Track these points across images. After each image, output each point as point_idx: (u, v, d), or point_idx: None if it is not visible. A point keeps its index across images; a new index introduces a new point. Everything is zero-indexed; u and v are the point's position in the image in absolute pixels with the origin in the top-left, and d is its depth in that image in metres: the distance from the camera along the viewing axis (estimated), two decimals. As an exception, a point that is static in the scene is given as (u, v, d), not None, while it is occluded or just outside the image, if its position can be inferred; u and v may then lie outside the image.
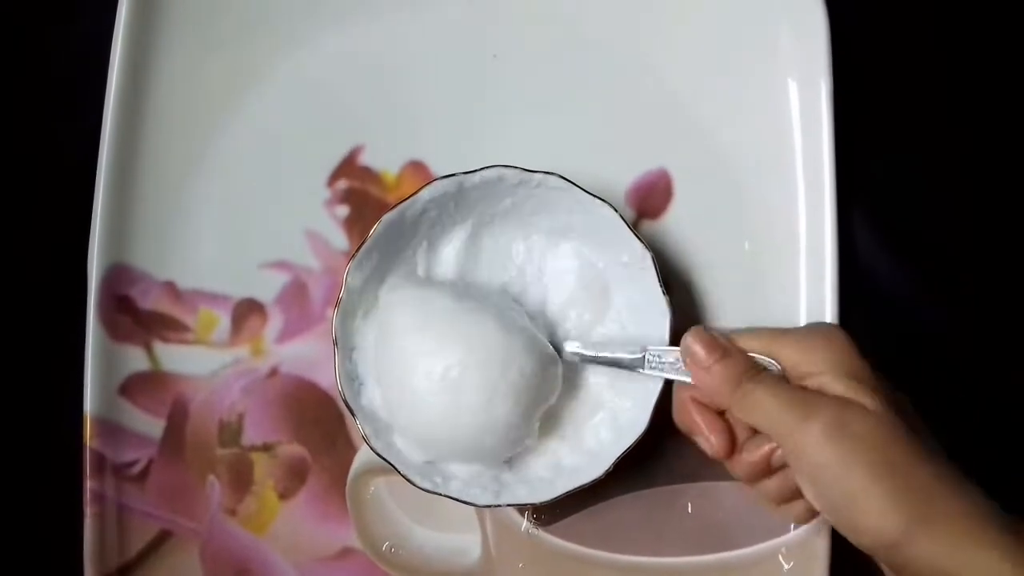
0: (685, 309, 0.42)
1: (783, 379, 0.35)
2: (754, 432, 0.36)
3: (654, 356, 0.37)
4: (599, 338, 0.41)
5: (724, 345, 0.36)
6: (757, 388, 0.34)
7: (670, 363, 0.37)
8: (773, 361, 0.36)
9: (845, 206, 0.42)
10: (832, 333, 0.36)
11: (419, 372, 0.36)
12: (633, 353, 0.38)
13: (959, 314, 0.45)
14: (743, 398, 0.34)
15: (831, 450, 0.32)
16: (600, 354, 0.39)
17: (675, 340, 0.38)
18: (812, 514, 0.36)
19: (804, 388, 0.34)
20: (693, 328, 0.36)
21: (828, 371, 0.34)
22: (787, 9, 0.42)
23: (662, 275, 0.39)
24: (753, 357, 0.36)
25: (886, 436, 0.32)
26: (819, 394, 0.34)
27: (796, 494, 0.35)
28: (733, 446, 0.36)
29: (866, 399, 0.33)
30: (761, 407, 0.34)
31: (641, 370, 0.38)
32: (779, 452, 0.35)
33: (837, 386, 0.34)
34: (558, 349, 0.39)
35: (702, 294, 0.43)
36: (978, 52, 0.46)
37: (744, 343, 0.36)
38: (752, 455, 0.36)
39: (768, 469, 0.35)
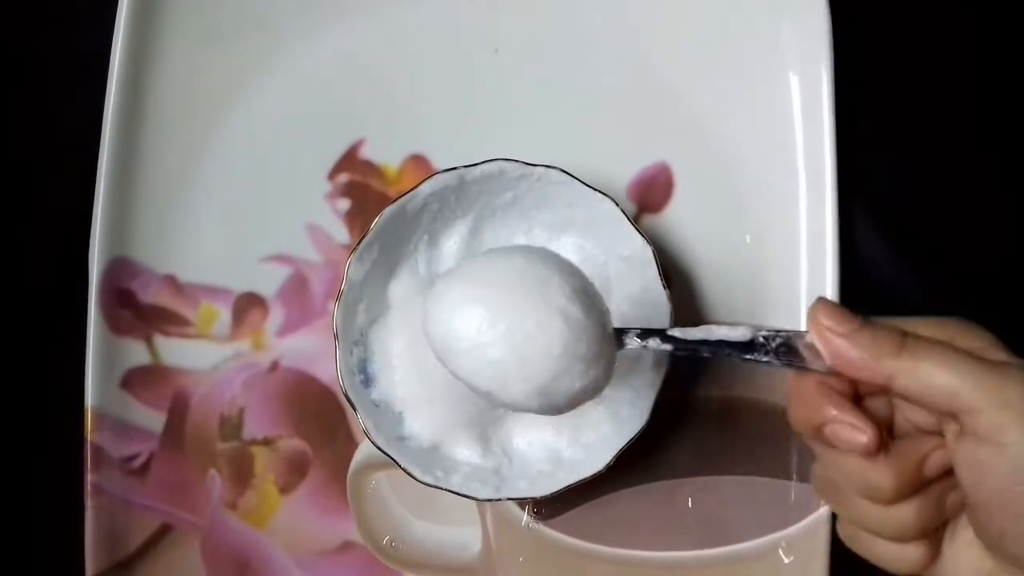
0: (686, 303, 0.42)
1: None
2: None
3: (767, 339, 0.30)
4: None
5: (860, 315, 0.29)
6: (931, 349, 0.27)
7: (787, 349, 0.29)
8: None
9: (846, 200, 0.42)
10: (968, 321, 0.29)
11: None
12: (741, 337, 0.30)
13: (962, 307, 0.45)
14: (912, 360, 0.27)
15: None
16: (706, 337, 0.31)
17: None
18: (928, 561, 0.29)
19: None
20: (820, 298, 0.29)
21: (991, 347, 0.28)
22: (788, 2, 0.42)
23: (663, 269, 0.39)
24: None
25: None
26: (1009, 363, 0.27)
27: (929, 529, 0.29)
28: (881, 435, 0.28)
29: None
30: (940, 372, 0.27)
31: (751, 357, 0.30)
32: (934, 458, 0.28)
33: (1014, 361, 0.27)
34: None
35: (703, 288, 0.43)
36: (981, 45, 0.46)
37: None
38: (904, 458, 0.28)
39: (920, 479, 0.28)
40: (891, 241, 0.45)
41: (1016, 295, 0.45)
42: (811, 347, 0.29)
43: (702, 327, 0.31)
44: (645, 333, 0.32)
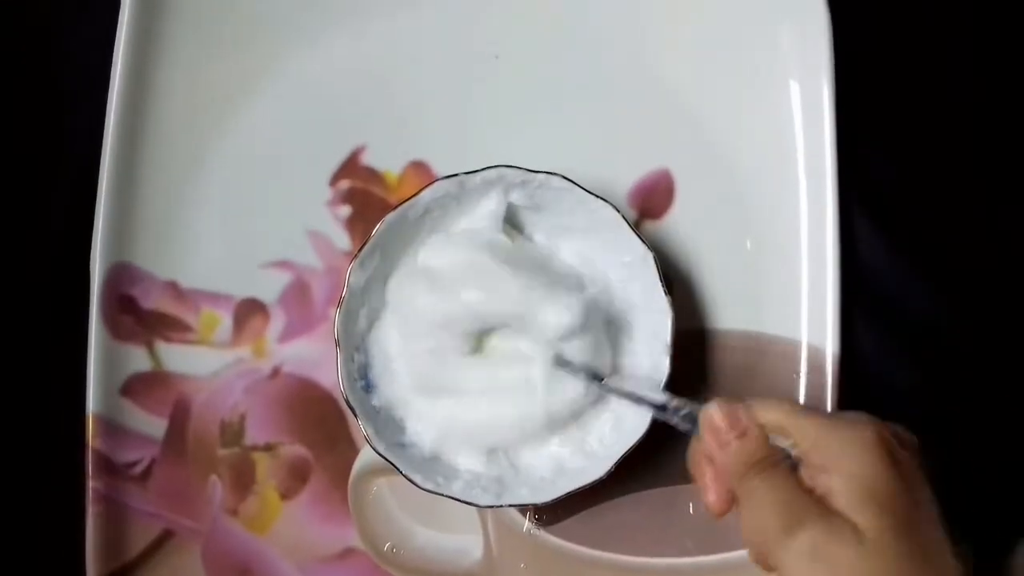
0: (687, 309, 0.42)
1: (791, 476, 0.32)
2: None
3: (674, 408, 0.36)
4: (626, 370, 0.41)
5: (744, 424, 0.34)
6: (760, 485, 0.32)
7: (687, 415, 0.36)
8: (789, 446, 0.33)
9: (847, 205, 0.42)
10: (862, 430, 0.32)
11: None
12: (656, 400, 0.37)
13: (961, 312, 0.45)
14: (745, 491, 0.33)
15: (806, 573, 0.30)
16: (628, 390, 0.38)
17: (676, 339, 0.38)
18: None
19: (809, 491, 0.32)
20: (717, 400, 0.35)
21: (841, 473, 0.31)
22: (789, 8, 0.42)
23: (664, 275, 0.39)
24: (773, 442, 0.34)
25: (871, 569, 0.29)
26: (814, 504, 0.31)
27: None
28: (729, 506, 0.34)
29: (867, 519, 0.30)
30: (757, 507, 0.32)
31: (659, 417, 0.37)
32: None
33: (841, 497, 0.31)
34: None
35: (704, 294, 0.43)
36: (981, 48, 0.46)
37: (766, 414, 0.34)
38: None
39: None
40: (892, 245, 0.45)
41: (1019, 293, 0.45)
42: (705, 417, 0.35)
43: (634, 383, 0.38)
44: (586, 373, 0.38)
